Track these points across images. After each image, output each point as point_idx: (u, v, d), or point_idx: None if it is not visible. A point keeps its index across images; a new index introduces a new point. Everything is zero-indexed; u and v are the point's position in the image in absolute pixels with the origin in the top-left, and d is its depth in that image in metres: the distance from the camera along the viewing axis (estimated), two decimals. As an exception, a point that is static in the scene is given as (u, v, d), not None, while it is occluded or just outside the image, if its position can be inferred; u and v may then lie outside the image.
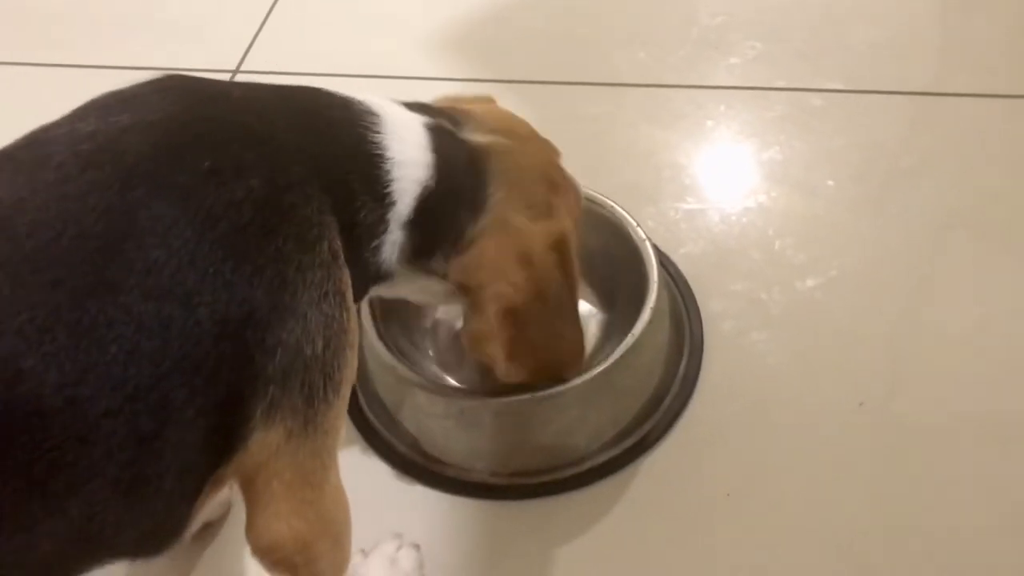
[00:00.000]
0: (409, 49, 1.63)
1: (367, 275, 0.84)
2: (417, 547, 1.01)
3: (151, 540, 0.71)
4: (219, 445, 0.69)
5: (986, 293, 1.20)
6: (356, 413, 1.13)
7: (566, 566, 1.00)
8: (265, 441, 0.70)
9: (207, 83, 0.77)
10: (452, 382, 1.12)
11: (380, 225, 0.82)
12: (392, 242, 0.83)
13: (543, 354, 0.95)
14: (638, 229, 1.12)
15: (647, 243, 1.11)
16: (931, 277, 1.23)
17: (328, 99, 0.83)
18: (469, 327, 0.92)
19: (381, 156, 0.81)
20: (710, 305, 1.21)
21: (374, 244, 0.82)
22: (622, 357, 1.02)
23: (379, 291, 0.90)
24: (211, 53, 1.65)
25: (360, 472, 1.08)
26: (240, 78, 1.58)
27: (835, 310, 1.20)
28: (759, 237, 1.28)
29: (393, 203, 0.81)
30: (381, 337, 1.07)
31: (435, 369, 1.14)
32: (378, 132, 0.82)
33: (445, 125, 0.88)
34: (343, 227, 0.77)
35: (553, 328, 0.94)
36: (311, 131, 0.78)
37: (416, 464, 1.08)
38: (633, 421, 1.07)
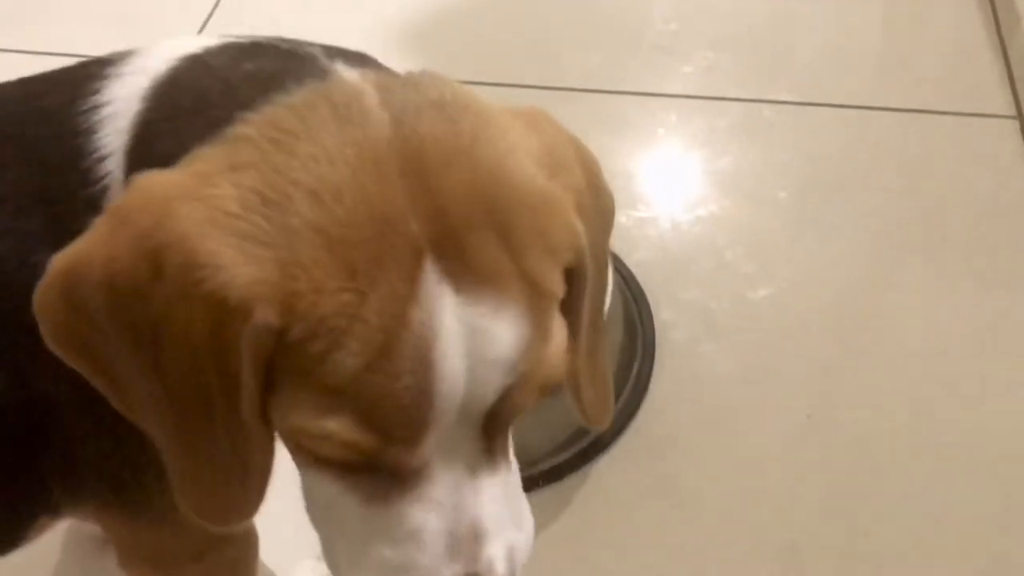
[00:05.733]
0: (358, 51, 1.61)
1: None
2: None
3: None
4: (36, 503, 0.66)
5: (930, 304, 1.22)
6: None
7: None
8: (75, 512, 0.68)
9: None
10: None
11: None
12: None
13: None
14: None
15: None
16: (877, 288, 1.25)
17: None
18: None
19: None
20: (662, 314, 1.21)
21: None
22: (579, 358, 1.01)
23: None
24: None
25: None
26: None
27: (784, 320, 1.21)
28: (710, 246, 1.29)
29: None
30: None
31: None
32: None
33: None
34: None
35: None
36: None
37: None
38: (587, 424, 1.07)
